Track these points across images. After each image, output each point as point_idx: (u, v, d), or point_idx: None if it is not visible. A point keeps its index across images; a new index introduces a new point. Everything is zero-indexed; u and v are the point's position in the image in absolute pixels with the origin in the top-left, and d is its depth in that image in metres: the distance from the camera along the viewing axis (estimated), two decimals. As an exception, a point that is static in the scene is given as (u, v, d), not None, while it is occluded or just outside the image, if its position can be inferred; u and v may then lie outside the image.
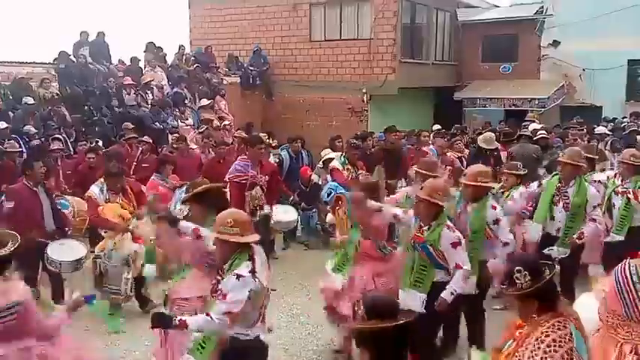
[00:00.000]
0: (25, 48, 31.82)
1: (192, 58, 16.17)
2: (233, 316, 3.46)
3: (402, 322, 2.57)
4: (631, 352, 2.45)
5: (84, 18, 33.83)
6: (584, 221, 5.80)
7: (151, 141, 10.20)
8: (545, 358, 2.64)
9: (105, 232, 6.50)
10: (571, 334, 2.68)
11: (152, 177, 7.87)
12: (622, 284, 2.55)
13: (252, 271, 3.50)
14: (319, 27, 17.78)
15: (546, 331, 2.70)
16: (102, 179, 6.49)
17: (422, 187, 4.81)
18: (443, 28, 19.44)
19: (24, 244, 5.88)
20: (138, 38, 35.17)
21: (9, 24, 37.99)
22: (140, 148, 9.76)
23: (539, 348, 2.67)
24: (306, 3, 17.72)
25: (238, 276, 3.46)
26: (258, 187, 7.41)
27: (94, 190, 6.42)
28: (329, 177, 8.44)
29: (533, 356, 2.66)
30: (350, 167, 8.30)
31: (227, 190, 6.98)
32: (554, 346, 2.66)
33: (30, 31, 38.37)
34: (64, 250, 6.16)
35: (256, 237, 3.64)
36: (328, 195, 6.28)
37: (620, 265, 2.61)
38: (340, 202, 6.16)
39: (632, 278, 2.53)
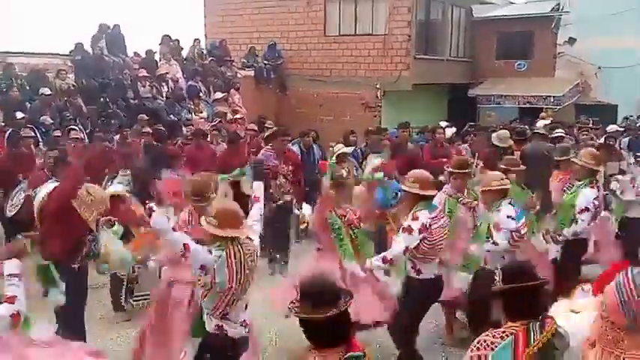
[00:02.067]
0: (42, 39, 32.04)
1: (207, 51, 16.23)
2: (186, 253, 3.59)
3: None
4: None
5: (100, 9, 33.99)
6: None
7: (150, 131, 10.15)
8: (470, 352, 2.71)
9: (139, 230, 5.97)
10: (499, 345, 2.65)
11: (167, 175, 7.86)
12: (625, 295, 2.47)
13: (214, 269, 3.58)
14: (334, 22, 17.77)
15: (487, 333, 2.75)
16: (122, 173, 6.38)
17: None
18: (458, 24, 19.35)
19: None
20: (153, 31, 35.25)
21: (26, 15, 38.31)
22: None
23: (473, 344, 2.74)
24: (321, -3, 17.71)
25: (209, 251, 3.63)
26: (282, 177, 7.60)
27: (118, 187, 6.22)
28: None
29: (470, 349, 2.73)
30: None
31: None
32: (477, 345, 2.70)
33: (47, 23, 38.64)
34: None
35: (234, 233, 3.64)
36: (395, 197, 6.15)
37: (621, 274, 2.54)
38: None
39: (636, 288, 2.45)
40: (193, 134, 9.98)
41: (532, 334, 2.65)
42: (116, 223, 5.30)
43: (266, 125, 11.68)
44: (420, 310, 4.91)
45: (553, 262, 5.77)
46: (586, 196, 5.69)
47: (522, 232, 5.09)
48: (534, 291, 2.78)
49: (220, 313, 3.74)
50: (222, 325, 3.76)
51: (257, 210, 4.24)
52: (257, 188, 4.46)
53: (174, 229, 3.73)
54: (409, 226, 4.58)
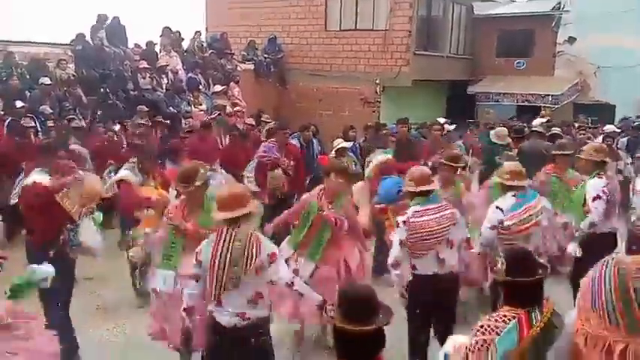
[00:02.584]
0: (43, 28, 31.93)
1: (208, 44, 16.23)
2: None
3: None
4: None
5: (101, 0, 33.86)
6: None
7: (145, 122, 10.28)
8: (471, 337, 2.73)
9: (147, 211, 5.89)
10: (504, 329, 2.68)
11: (170, 166, 7.95)
12: (596, 276, 2.49)
13: (200, 247, 3.79)
14: (335, 17, 17.77)
15: (488, 317, 2.78)
16: (131, 160, 6.27)
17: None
18: (459, 21, 19.37)
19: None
20: (154, 23, 35.19)
21: (27, 4, 38.15)
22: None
23: (476, 329, 2.76)
24: (322, -8, 17.71)
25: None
26: (279, 169, 7.63)
27: (126, 172, 6.13)
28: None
29: (471, 336, 2.76)
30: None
31: None
32: (481, 330, 2.72)
33: (48, 12, 38.53)
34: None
35: (223, 216, 3.73)
36: (399, 191, 6.09)
37: (596, 270, 2.56)
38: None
39: (605, 270, 2.47)
40: (200, 126, 9.99)
41: (534, 315, 2.74)
42: (95, 210, 5.31)
43: (262, 119, 11.76)
44: (415, 307, 4.72)
45: (575, 260, 5.67)
46: (594, 185, 5.67)
47: (507, 223, 5.06)
48: (537, 284, 2.84)
49: (213, 298, 3.75)
50: (212, 311, 3.81)
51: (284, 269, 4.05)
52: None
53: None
54: (397, 221, 4.68)
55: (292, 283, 3.95)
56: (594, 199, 5.60)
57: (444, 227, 4.58)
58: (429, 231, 4.53)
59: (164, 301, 4.65)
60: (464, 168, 8.15)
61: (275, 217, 5.81)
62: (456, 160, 6.04)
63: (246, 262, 3.66)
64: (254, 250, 3.69)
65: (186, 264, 4.52)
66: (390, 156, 7.74)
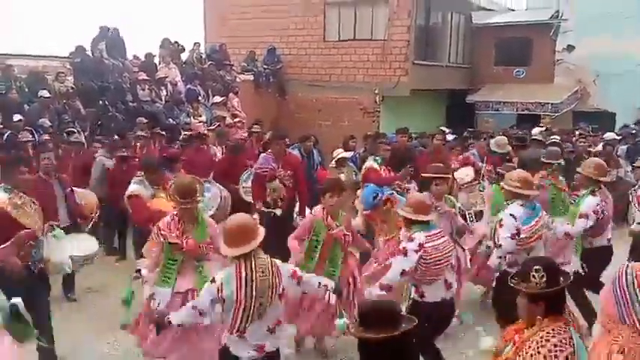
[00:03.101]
0: (42, 41, 32.03)
1: (207, 55, 16.24)
2: (202, 313, 3.72)
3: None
4: (618, 352, 2.43)
5: (100, 12, 34.04)
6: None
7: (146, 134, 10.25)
8: (552, 357, 2.65)
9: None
10: (571, 337, 2.70)
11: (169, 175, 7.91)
12: (617, 287, 2.53)
13: (221, 282, 3.61)
14: (334, 27, 17.81)
15: (547, 336, 2.71)
16: (139, 174, 6.26)
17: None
18: (457, 30, 19.41)
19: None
20: (153, 34, 35.32)
21: (26, 17, 38.29)
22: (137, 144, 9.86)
23: (539, 352, 2.68)
24: (321, 3, 17.75)
25: (212, 280, 3.69)
26: (277, 180, 7.51)
27: (136, 187, 6.09)
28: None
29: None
30: (385, 168, 8.20)
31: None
32: (555, 350, 2.66)
33: (46, 25, 38.64)
34: (74, 245, 6.11)
35: (239, 251, 3.61)
36: (374, 198, 6.11)
37: (619, 268, 2.60)
38: (389, 204, 6.17)
39: (626, 281, 2.51)
40: (194, 137, 9.99)
41: (574, 320, 2.86)
42: (56, 227, 5.29)
43: (252, 129, 11.67)
44: (427, 336, 4.63)
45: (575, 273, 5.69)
46: (588, 203, 5.77)
47: (522, 236, 5.07)
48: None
49: (236, 331, 3.65)
50: (229, 346, 3.70)
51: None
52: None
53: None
54: (404, 248, 4.54)
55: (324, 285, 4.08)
56: (582, 215, 5.74)
57: (450, 251, 4.66)
58: (439, 255, 4.54)
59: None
60: (477, 177, 8.20)
61: (274, 227, 5.76)
62: (446, 171, 6.07)
63: (272, 292, 3.63)
64: (277, 279, 3.66)
65: (181, 282, 4.59)
66: (372, 163, 7.67)
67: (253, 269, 3.59)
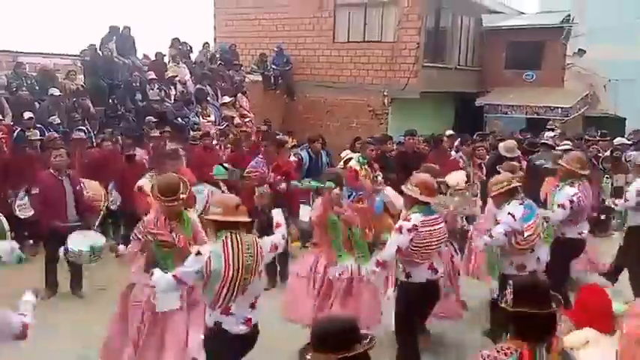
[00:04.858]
0: (52, 40, 32.23)
1: (217, 55, 16.29)
2: (181, 283, 3.81)
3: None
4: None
5: (111, 11, 34.19)
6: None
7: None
8: None
9: None
10: None
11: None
12: None
13: (209, 256, 3.69)
14: (343, 29, 17.81)
15: (492, 348, 2.70)
16: (152, 171, 6.42)
17: None
18: (467, 33, 19.35)
19: (47, 231, 6.06)
20: (163, 34, 35.49)
21: (37, 15, 38.56)
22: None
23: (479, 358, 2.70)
24: (330, 4, 17.75)
25: (197, 252, 3.75)
26: (266, 185, 7.32)
27: (144, 181, 6.25)
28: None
29: None
30: (367, 168, 8.18)
31: None
32: (482, 359, 2.66)
33: (57, 23, 38.88)
34: (83, 241, 6.18)
35: (236, 217, 3.77)
36: (349, 196, 6.27)
37: None
38: (361, 203, 6.27)
39: None
40: (201, 135, 10.05)
41: (538, 353, 2.60)
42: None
43: (259, 129, 11.72)
44: (410, 314, 4.93)
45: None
46: (565, 192, 5.92)
47: (526, 234, 5.13)
48: (547, 318, 2.66)
49: (220, 307, 3.74)
50: (220, 322, 3.78)
51: (278, 234, 4.31)
52: (276, 214, 4.53)
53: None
54: (400, 226, 4.73)
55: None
56: (559, 205, 5.88)
57: (441, 239, 4.82)
58: (432, 241, 4.72)
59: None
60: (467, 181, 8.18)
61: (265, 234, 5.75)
62: (438, 173, 6.11)
63: (256, 267, 3.77)
64: (259, 256, 3.82)
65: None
66: (354, 164, 7.89)
67: (240, 246, 3.71)
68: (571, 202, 5.85)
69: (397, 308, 4.95)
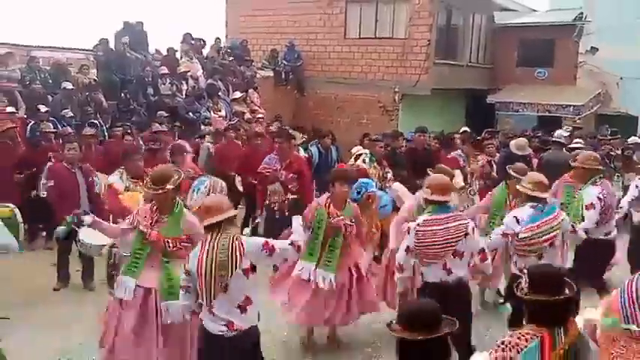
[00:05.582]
0: (66, 33, 32.44)
1: (228, 50, 16.33)
2: (184, 289, 3.91)
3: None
4: None
5: (123, 6, 34.31)
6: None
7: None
8: (491, 353, 2.72)
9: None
10: (525, 348, 2.67)
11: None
12: (626, 296, 2.54)
13: (188, 256, 3.85)
14: (355, 25, 17.79)
15: (511, 334, 2.76)
16: (121, 167, 6.35)
17: None
18: (479, 30, 19.28)
19: (60, 223, 6.08)
20: (175, 29, 35.59)
21: (51, 9, 38.80)
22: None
23: (496, 345, 2.75)
24: (342, 0, 17.75)
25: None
26: (278, 183, 7.34)
27: (114, 178, 6.24)
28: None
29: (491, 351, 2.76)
30: (377, 165, 8.20)
31: None
32: (502, 346, 2.71)
33: (70, 17, 39.13)
34: (94, 234, 6.21)
35: (207, 221, 3.78)
36: (358, 193, 6.30)
37: (631, 277, 2.62)
38: (370, 200, 6.29)
39: (636, 292, 2.52)
40: (225, 130, 10.40)
41: (557, 336, 2.70)
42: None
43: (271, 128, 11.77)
44: None
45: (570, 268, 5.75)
46: (589, 193, 5.90)
47: (521, 236, 5.03)
48: (562, 304, 2.76)
49: (205, 305, 3.78)
50: (202, 319, 3.84)
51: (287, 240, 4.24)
52: (295, 220, 4.53)
53: None
54: (409, 227, 4.73)
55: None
56: (587, 207, 5.84)
57: (453, 238, 4.59)
58: (435, 241, 4.58)
59: (121, 310, 4.53)
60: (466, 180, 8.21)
61: (277, 232, 5.72)
62: (450, 174, 6.05)
63: (232, 265, 3.69)
64: (238, 252, 3.71)
65: (146, 276, 4.45)
66: (362, 163, 7.86)
67: (215, 244, 3.72)
68: (599, 199, 5.81)
69: None
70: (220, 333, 3.74)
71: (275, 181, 7.36)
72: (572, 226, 5.41)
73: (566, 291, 2.79)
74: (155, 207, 4.50)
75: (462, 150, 9.52)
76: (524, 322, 2.86)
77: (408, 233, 4.67)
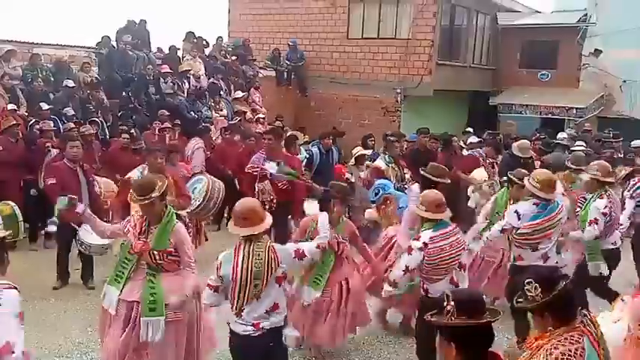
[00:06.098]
0: (68, 31, 32.39)
1: (230, 49, 16.30)
2: (213, 290, 3.93)
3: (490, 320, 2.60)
4: None
5: (125, 4, 34.29)
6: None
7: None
8: None
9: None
10: (583, 348, 2.67)
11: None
12: None
13: (220, 261, 3.85)
14: (357, 25, 17.74)
15: (556, 344, 2.69)
16: (144, 164, 6.47)
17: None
18: (482, 31, 19.22)
19: (60, 222, 6.09)
20: (177, 28, 35.59)
21: (53, 7, 38.81)
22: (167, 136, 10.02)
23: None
24: (345, 0, 17.70)
25: (217, 258, 3.92)
26: (267, 182, 7.24)
27: (135, 173, 6.36)
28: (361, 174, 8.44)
29: None
30: (395, 166, 8.13)
31: None
32: (563, 358, 2.65)
33: (72, 15, 39.10)
34: (92, 237, 6.13)
35: (246, 231, 3.76)
36: (376, 194, 6.27)
37: None
38: (388, 202, 6.24)
39: None
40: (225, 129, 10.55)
41: (587, 324, 2.77)
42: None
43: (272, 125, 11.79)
44: (430, 335, 4.65)
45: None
46: (595, 207, 5.80)
47: (520, 231, 5.15)
48: (573, 291, 2.86)
49: (235, 310, 3.81)
50: (230, 324, 3.86)
51: (314, 242, 4.24)
52: (321, 222, 4.48)
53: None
54: (410, 246, 4.64)
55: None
56: (591, 222, 5.74)
57: (458, 251, 4.62)
58: (444, 257, 4.55)
59: (108, 321, 4.46)
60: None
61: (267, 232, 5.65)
62: (445, 173, 6.01)
63: (267, 275, 3.74)
64: (274, 263, 3.76)
65: (129, 288, 4.31)
66: (380, 163, 7.96)
67: (250, 253, 3.72)
68: (604, 214, 5.74)
69: (417, 329, 4.81)
70: (246, 333, 3.79)
71: (263, 180, 7.26)
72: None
73: (558, 285, 2.81)
74: (144, 216, 4.39)
75: (481, 150, 9.54)
76: (550, 328, 2.82)
77: (410, 253, 4.57)
